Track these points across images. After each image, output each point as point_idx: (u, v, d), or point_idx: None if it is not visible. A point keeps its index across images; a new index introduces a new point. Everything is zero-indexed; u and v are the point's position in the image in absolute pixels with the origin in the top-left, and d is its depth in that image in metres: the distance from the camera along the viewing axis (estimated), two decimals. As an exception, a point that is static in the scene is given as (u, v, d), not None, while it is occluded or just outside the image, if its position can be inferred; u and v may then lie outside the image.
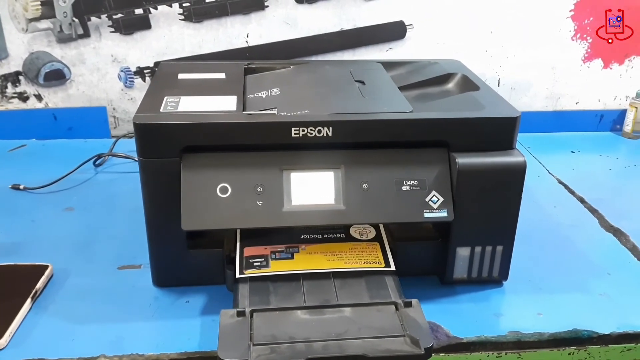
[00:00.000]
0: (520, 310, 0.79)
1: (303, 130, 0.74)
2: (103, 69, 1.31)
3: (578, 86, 1.41)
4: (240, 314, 0.68)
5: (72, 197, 1.07)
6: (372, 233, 0.82)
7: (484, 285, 0.83)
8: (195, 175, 0.74)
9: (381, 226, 0.82)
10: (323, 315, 0.69)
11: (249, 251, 0.77)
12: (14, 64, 1.29)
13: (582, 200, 1.08)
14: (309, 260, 0.76)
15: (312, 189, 0.75)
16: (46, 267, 0.83)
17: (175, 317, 0.76)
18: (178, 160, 0.74)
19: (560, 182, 1.16)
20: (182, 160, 0.74)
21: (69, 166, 1.14)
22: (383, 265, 0.77)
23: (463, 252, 0.80)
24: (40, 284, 0.80)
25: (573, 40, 1.36)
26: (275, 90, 0.86)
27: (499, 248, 0.80)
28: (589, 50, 1.37)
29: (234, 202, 0.74)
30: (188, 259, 0.80)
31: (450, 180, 0.76)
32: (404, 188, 0.76)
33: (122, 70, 1.31)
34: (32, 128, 1.32)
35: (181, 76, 0.90)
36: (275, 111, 0.77)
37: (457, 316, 0.77)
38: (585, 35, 1.36)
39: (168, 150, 0.73)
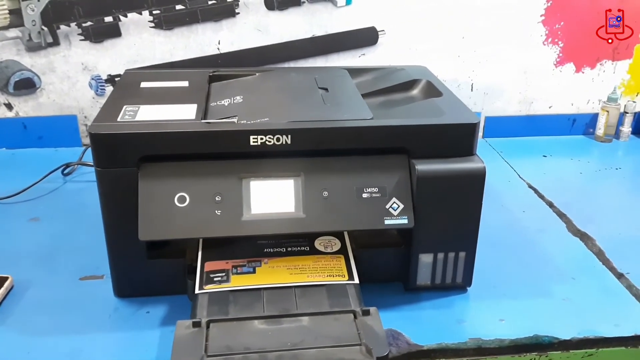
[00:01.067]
0: (482, 316, 0.79)
1: (262, 139, 0.73)
2: (73, 77, 1.30)
3: (551, 90, 1.41)
4: (196, 324, 0.67)
5: (39, 206, 1.06)
6: (337, 245, 0.80)
7: (448, 292, 0.83)
8: (152, 185, 0.73)
9: (346, 238, 0.81)
10: (281, 325, 0.69)
11: (209, 265, 0.76)
12: (-17, 73, 1.28)
13: (551, 205, 1.09)
14: (270, 275, 0.75)
15: (272, 197, 0.75)
16: (6, 278, 0.82)
17: (134, 328, 0.76)
18: (135, 170, 0.73)
19: (530, 187, 1.16)
20: (140, 169, 0.73)
21: (38, 176, 1.13)
22: (346, 278, 0.75)
23: (426, 259, 0.80)
24: (-2, 297, 0.79)
25: (545, 44, 1.37)
26: (238, 98, 0.85)
27: (462, 254, 0.80)
28: (560, 54, 1.38)
29: (192, 211, 0.73)
30: (148, 269, 0.79)
31: (411, 187, 0.76)
32: (365, 195, 0.75)
33: (93, 79, 1.30)
34: (1, 137, 1.31)
35: (143, 84, 0.89)
36: (235, 119, 0.76)
37: (419, 323, 0.77)
38: (556, 40, 1.36)
39: (125, 160, 0.73)
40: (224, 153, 0.74)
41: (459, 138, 0.77)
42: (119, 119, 0.75)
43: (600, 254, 0.93)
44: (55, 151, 1.30)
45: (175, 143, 0.73)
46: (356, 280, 0.75)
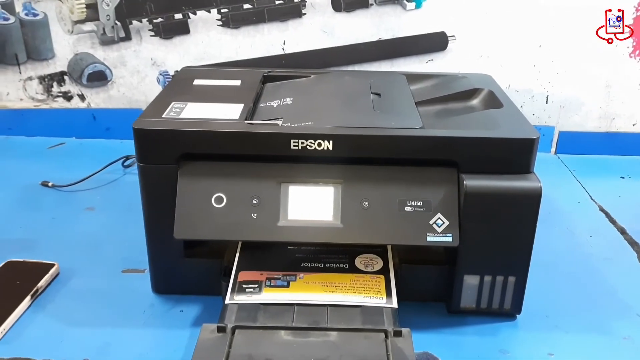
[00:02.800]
0: (529, 348, 0.73)
1: (302, 143, 0.71)
2: (143, 72, 1.33)
3: (635, 107, 1.30)
4: (221, 329, 0.66)
5: (96, 196, 1.09)
6: (378, 264, 0.76)
7: (495, 318, 0.77)
8: (191, 183, 0.72)
9: (389, 255, 0.77)
10: (307, 338, 0.66)
11: (243, 275, 0.74)
12: (59, 64, 1.33)
13: (622, 231, 1.00)
14: (304, 290, 0.72)
15: (310, 204, 0.72)
16: (52, 265, 0.84)
17: (166, 326, 0.75)
18: (176, 167, 0.73)
19: (602, 210, 1.07)
20: (180, 167, 0.72)
21: (102, 166, 1.16)
22: (384, 300, 0.71)
23: (471, 281, 0.75)
24: (42, 283, 0.81)
25: (631, 57, 1.26)
26: (288, 99, 0.84)
27: (511, 279, 0.75)
28: (649, 68, 1.27)
29: (228, 213, 0.72)
30: (185, 267, 0.79)
31: (458, 203, 0.71)
32: (407, 208, 0.71)
33: (160, 74, 1.33)
34: (73, 127, 1.36)
35: (197, 82, 0.89)
36: (279, 122, 0.74)
37: (459, 349, 0.72)
38: (645, 52, 1.26)
39: (165, 157, 0.72)
40: (264, 155, 0.72)
41: (514, 154, 0.71)
42: (163, 116, 0.75)
43: (672, 291, 0.84)
44: (121, 143, 1.33)
45: (215, 142, 0.72)
46: (394, 304, 0.70)
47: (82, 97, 1.36)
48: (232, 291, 0.72)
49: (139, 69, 1.33)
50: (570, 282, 0.85)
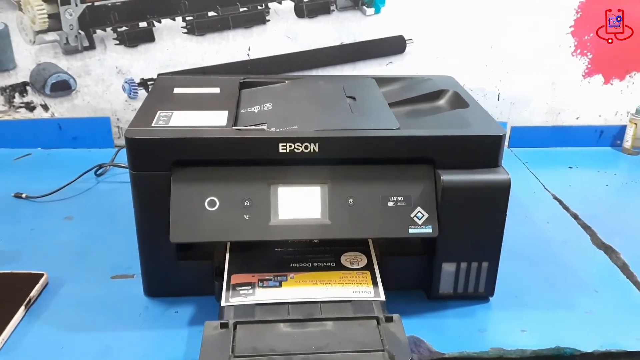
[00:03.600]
0: (504, 326, 0.79)
1: (290, 146, 0.75)
2: (108, 80, 1.34)
3: (578, 101, 1.41)
4: (224, 325, 0.69)
5: (73, 206, 1.09)
6: (363, 261, 0.81)
7: (470, 301, 0.84)
8: (184, 188, 0.75)
9: (372, 252, 0.82)
10: (305, 329, 0.70)
11: (236, 278, 0.77)
12: (21, 75, 1.32)
13: (575, 217, 1.09)
14: (296, 289, 0.76)
15: (299, 203, 0.76)
16: (41, 275, 0.85)
17: (163, 327, 0.78)
18: (168, 173, 0.75)
19: (555, 198, 1.16)
20: (172, 173, 0.75)
21: (72, 175, 1.17)
22: (373, 294, 0.76)
23: (449, 268, 0.81)
24: (34, 292, 0.82)
25: (573, 55, 1.37)
26: (268, 105, 0.88)
27: (485, 264, 0.81)
28: (589, 65, 1.38)
29: (221, 215, 0.75)
30: (178, 270, 0.82)
31: (436, 197, 0.77)
32: (390, 204, 0.77)
33: (126, 82, 1.34)
34: (38, 137, 1.35)
35: (177, 90, 0.92)
36: (264, 126, 0.78)
37: (441, 331, 0.78)
38: (585, 51, 1.36)
39: (158, 164, 0.75)
40: (254, 159, 0.76)
41: (484, 149, 0.78)
42: (153, 124, 0.78)
43: (624, 268, 0.93)
44: (89, 152, 1.33)
45: (207, 149, 0.75)
46: (382, 297, 0.75)
47: (45, 107, 1.35)
48: (227, 294, 0.75)
49: (104, 77, 1.33)
50: (534, 265, 0.93)
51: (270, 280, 0.78)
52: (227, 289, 0.75)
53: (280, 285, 0.77)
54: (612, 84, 1.40)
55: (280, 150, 0.75)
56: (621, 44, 1.35)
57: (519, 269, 0.91)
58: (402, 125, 0.80)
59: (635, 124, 1.36)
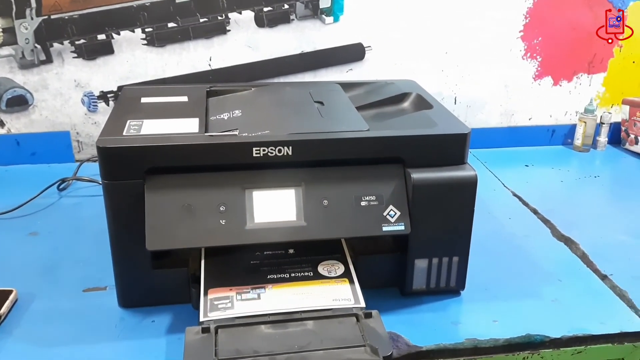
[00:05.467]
0: (476, 317, 0.82)
1: (264, 150, 0.76)
2: (66, 94, 1.32)
3: (530, 103, 1.47)
4: (205, 330, 0.70)
5: (37, 221, 1.07)
6: (340, 269, 0.81)
7: (443, 295, 0.86)
8: (158, 196, 0.75)
9: (349, 260, 0.83)
10: (286, 329, 0.71)
11: (213, 292, 0.76)
12: (-25, 91, 1.29)
13: (535, 212, 1.13)
14: (276, 300, 0.75)
15: (274, 206, 0.77)
16: (10, 291, 0.83)
17: (141, 337, 0.77)
18: (142, 181, 0.75)
19: (515, 195, 1.21)
20: (146, 181, 0.75)
21: (33, 191, 1.14)
22: (353, 302, 0.75)
23: (421, 264, 0.84)
24: (4, 309, 0.80)
25: (524, 59, 1.43)
26: (237, 112, 0.88)
27: (455, 259, 0.84)
28: (539, 68, 1.44)
29: (197, 221, 0.75)
30: (153, 279, 0.81)
31: (407, 195, 0.79)
32: (363, 203, 0.79)
33: (85, 95, 1.32)
34: (-6, 154, 1.32)
35: (144, 100, 0.92)
36: (236, 132, 0.79)
37: (417, 326, 0.80)
38: (535, 55, 1.42)
39: (132, 173, 0.75)
40: (228, 165, 0.77)
41: (451, 148, 0.81)
42: (124, 133, 0.78)
43: (584, 257, 0.97)
44: (49, 167, 1.31)
45: (181, 155, 0.75)
46: (362, 304, 0.75)
47: (1, 123, 1.32)
48: (205, 309, 0.73)
49: (62, 91, 1.31)
50: (500, 259, 0.97)
51: (249, 292, 0.77)
52: (205, 304, 0.74)
53: (259, 298, 0.76)
54: (561, 85, 1.47)
55: (254, 155, 0.76)
56: (569, 46, 1.42)
57: (486, 263, 0.94)
58: (370, 127, 0.82)
59: (585, 122, 1.43)
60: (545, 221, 1.09)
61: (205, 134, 0.79)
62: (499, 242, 1.02)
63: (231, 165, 0.77)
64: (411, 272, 0.84)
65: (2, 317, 0.80)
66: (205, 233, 0.75)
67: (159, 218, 0.75)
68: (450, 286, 0.86)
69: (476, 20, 1.37)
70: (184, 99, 0.93)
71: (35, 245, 0.99)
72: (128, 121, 0.82)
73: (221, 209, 0.76)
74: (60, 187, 1.19)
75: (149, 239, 0.74)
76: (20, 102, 1.31)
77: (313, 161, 0.78)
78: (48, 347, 0.75)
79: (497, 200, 1.18)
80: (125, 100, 0.93)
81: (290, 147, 0.77)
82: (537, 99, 1.47)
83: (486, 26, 1.38)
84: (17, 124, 1.32)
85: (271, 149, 0.76)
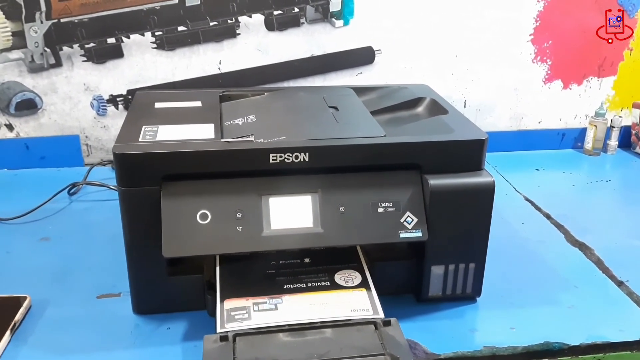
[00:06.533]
0: (493, 325, 0.82)
1: (281, 157, 0.76)
2: (75, 98, 1.31)
3: (540, 106, 1.46)
4: (224, 338, 0.69)
5: (47, 226, 1.07)
6: (357, 279, 0.80)
7: (459, 302, 0.86)
8: (175, 202, 0.75)
9: (366, 269, 0.81)
10: (305, 337, 0.71)
11: (229, 303, 0.75)
12: (-16, 94, 1.28)
13: (548, 217, 1.13)
14: (293, 311, 0.74)
15: (291, 213, 0.77)
16: (24, 298, 0.83)
17: (156, 344, 0.77)
18: (158, 188, 0.75)
19: (527, 199, 1.20)
20: (162, 188, 0.75)
21: (42, 196, 1.14)
22: (371, 312, 0.74)
23: (437, 271, 0.83)
24: (19, 316, 0.80)
25: (534, 62, 1.42)
26: (251, 117, 0.88)
27: (472, 265, 0.83)
28: (549, 71, 1.43)
29: (214, 228, 0.75)
30: (168, 285, 0.81)
31: (424, 201, 0.79)
32: (380, 210, 0.78)
33: (94, 99, 1.32)
34: (3, 158, 1.31)
35: (157, 105, 0.92)
36: (252, 138, 0.79)
37: (434, 333, 0.79)
38: (545, 58, 1.42)
39: (148, 179, 0.74)
40: (244, 171, 0.76)
41: (468, 153, 0.80)
42: (140, 139, 0.77)
43: (599, 263, 0.97)
44: (58, 171, 1.30)
45: (197, 162, 0.75)
46: (381, 314, 0.74)
47: (10, 127, 1.32)
48: (222, 320, 0.72)
49: (71, 95, 1.31)
50: (515, 264, 0.96)
51: (265, 303, 0.75)
52: (222, 315, 0.73)
53: (276, 308, 0.75)
54: (571, 89, 1.46)
55: (271, 161, 0.76)
56: (579, 49, 1.41)
57: (501, 269, 0.93)
58: (386, 132, 0.82)
59: (595, 126, 1.42)
60: (559, 226, 1.09)
61: (221, 140, 0.78)
62: (513, 247, 1.01)
63: (247, 171, 0.76)
64: (427, 278, 0.83)
65: (17, 324, 0.79)
66: (221, 240, 0.75)
67: (175, 225, 0.74)
68: (466, 293, 0.85)
69: (486, 23, 1.36)
70: (198, 104, 0.93)
71: (47, 250, 0.99)
72: (143, 127, 0.81)
73: (238, 215, 0.76)
74: (71, 191, 1.18)
75: (165, 246, 0.74)
76: (29, 106, 1.30)
77: (330, 167, 0.78)
78: (63, 354, 0.75)
79: (509, 205, 1.17)
80: (139, 106, 0.92)
81: (307, 154, 0.76)
82: (547, 103, 1.46)
83: (496, 29, 1.37)
84: (26, 127, 1.32)
85: (288, 155, 0.76)
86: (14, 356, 0.74)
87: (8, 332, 0.77)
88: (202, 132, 0.80)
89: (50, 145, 1.32)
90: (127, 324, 0.81)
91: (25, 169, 1.31)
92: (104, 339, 0.78)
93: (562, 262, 0.97)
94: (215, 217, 0.75)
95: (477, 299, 0.86)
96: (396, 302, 0.84)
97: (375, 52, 1.36)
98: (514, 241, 1.04)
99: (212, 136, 0.79)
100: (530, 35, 1.39)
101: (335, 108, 0.91)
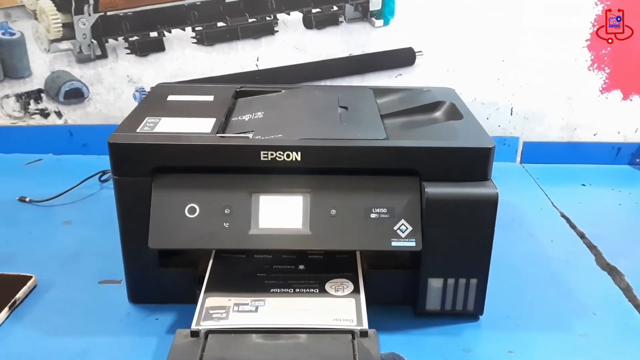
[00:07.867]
0: (491, 346, 0.76)
1: (272, 154, 0.74)
2: (119, 89, 1.36)
3: (596, 117, 1.36)
4: (195, 334, 0.68)
5: (74, 211, 1.11)
6: (349, 288, 0.77)
7: (459, 319, 0.81)
8: (164, 195, 0.75)
9: (360, 279, 0.78)
10: (277, 341, 0.69)
11: (210, 301, 0.74)
12: (36, 82, 1.35)
13: (582, 236, 1.04)
14: (272, 315, 0.72)
15: (280, 212, 0.75)
16: (29, 277, 0.86)
17: (141, 334, 0.77)
18: (150, 179, 0.75)
19: (563, 216, 1.12)
20: (154, 179, 0.75)
21: (79, 181, 1.18)
22: (355, 323, 0.70)
23: (435, 284, 0.79)
24: (20, 294, 0.83)
25: (590, 70, 1.32)
26: (259, 113, 0.87)
27: (473, 281, 0.78)
28: (607, 80, 1.33)
29: (201, 222, 0.75)
30: (161, 276, 0.81)
31: (420, 210, 0.75)
32: (373, 215, 0.75)
33: (137, 90, 1.36)
34: (49, 143, 1.38)
35: (170, 97, 0.92)
36: (250, 135, 0.78)
37: (424, 349, 0.75)
38: (602, 66, 1.32)
39: (140, 170, 0.75)
40: (235, 167, 0.75)
41: (472, 162, 0.75)
42: (138, 130, 0.78)
43: (627, 290, 0.88)
44: (98, 158, 1.35)
45: (187, 155, 0.75)
46: (365, 326, 0.70)
47: (59, 114, 1.38)
48: (199, 317, 0.71)
49: (115, 86, 1.35)
50: (531, 284, 0.90)
51: (247, 304, 0.74)
52: (200, 313, 0.72)
53: (255, 310, 0.73)
54: (631, 100, 1.35)
55: (262, 159, 0.74)
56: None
57: (515, 288, 0.87)
58: (392, 136, 0.78)
59: (655, 141, 1.31)
60: (591, 247, 1.00)
61: (217, 135, 0.78)
62: (534, 265, 0.95)
63: (239, 168, 0.75)
64: (424, 291, 0.79)
65: (17, 302, 0.82)
66: (208, 235, 0.74)
67: (163, 217, 0.75)
68: (467, 309, 0.80)
69: (538, 26, 1.28)
70: (210, 98, 0.93)
71: (66, 234, 1.03)
72: (146, 118, 0.82)
73: (226, 211, 0.75)
74: (102, 178, 1.22)
75: (151, 237, 0.74)
76: (77, 95, 1.36)
77: (323, 168, 0.75)
78: (53, 335, 0.77)
79: (541, 221, 1.10)
80: (153, 97, 0.93)
81: (299, 153, 0.74)
82: (604, 114, 1.36)
83: (548, 33, 1.29)
84: (73, 115, 1.38)
85: (279, 154, 0.74)
86: (8, 332, 0.77)
87: (6, 309, 0.80)
88: (201, 126, 0.80)
89: (93, 133, 1.38)
90: (120, 311, 0.82)
91: (69, 154, 1.37)
92: (94, 325, 0.79)
93: (585, 286, 0.89)
94: (203, 212, 0.75)
95: (480, 317, 0.81)
96: (393, 314, 0.81)
97: (416, 54, 1.32)
98: (537, 259, 0.97)
99: (209, 130, 0.79)
100: (586, 40, 1.30)
101: (346, 108, 0.88)
